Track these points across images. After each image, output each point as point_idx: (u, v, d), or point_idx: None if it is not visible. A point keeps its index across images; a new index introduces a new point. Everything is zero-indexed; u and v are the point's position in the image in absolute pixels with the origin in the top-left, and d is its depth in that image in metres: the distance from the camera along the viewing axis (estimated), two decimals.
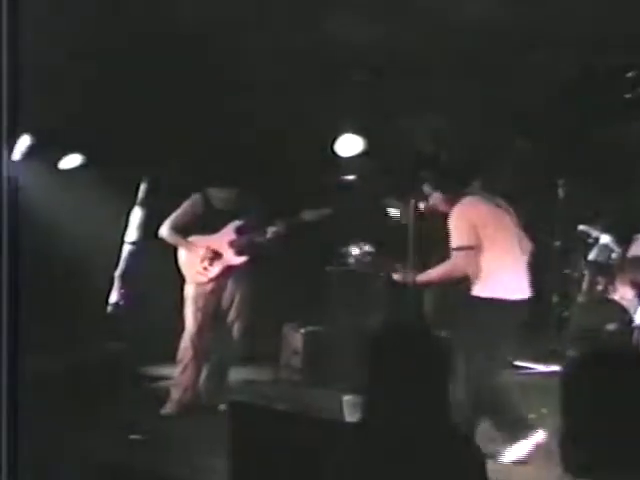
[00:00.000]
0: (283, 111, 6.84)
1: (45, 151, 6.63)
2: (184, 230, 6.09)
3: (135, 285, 7.03)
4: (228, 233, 6.10)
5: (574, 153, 7.96)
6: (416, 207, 5.33)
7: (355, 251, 7.04)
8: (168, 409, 6.02)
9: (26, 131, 6.18)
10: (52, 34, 5.22)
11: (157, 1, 5.74)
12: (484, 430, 4.81)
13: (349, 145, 7.35)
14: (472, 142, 7.35)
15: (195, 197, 6.13)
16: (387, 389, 2.40)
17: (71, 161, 7.13)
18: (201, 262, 6.04)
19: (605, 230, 7.55)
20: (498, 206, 5.09)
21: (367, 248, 7.02)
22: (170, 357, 6.21)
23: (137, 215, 7.22)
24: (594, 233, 7.64)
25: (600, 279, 7.41)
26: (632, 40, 6.11)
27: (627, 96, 7.14)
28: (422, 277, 5.13)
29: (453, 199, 5.03)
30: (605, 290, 7.27)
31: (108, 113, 6.55)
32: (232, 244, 6.08)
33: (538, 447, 4.77)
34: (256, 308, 6.27)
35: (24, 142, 6.25)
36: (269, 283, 6.85)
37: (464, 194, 5.04)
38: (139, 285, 7.02)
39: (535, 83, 6.96)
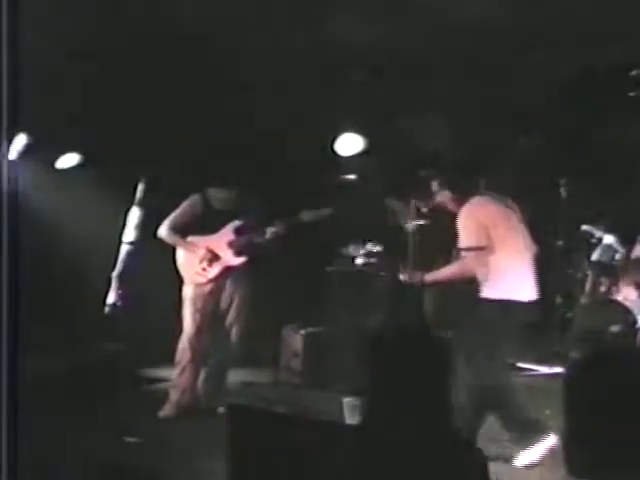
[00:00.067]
0: (283, 111, 6.83)
1: (43, 150, 6.61)
2: (183, 230, 6.08)
3: (133, 286, 6.99)
4: (227, 233, 6.08)
5: (574, 153, 7.94)
6: (417, 207, 5.30)
7: (361, 250, 6.99)
8: (166, 411, 5.98)
9: (24, 130, 6.16)
10: (52, 34, 5.22)
11: (157, 1, 5.74)
12: (485, 431, 4.80)
13: (349, 144, 7.33)
14: (472, 142, 7.34)
15: (194, 197, 6.12)
16: (388, 391, 2.39)
17: (69, 160, 7.11)
18: (200, 263, 6.02)
19: (608, 230, 7.50)
20: (507, 206, 5.04)
21: (373, 247, 6.97)
22: (168, 359, 6.19)
23: (135, 215, 7.19)
24: (597, 233, 7.59)
25: (603, 280, 7.35)
26: (632, 40, 6.10)
27: (631, 94, 7.13)
28: (430, 277, 5.08)
29: (462, 199, 4.97)
30: (608, 291, 7.21)
31: (107, 113, 6.55)
32: (231, 245, 6.06)
33: (551, 451, 4.66)
34: (255, 309, 6.24)
35: (21, 141, 6.22)
36: (268, 284, 6.82)
37: (473, 194, 4.98)
38: (137, 286, 6.99)
39: (535, 83, 6.96)
